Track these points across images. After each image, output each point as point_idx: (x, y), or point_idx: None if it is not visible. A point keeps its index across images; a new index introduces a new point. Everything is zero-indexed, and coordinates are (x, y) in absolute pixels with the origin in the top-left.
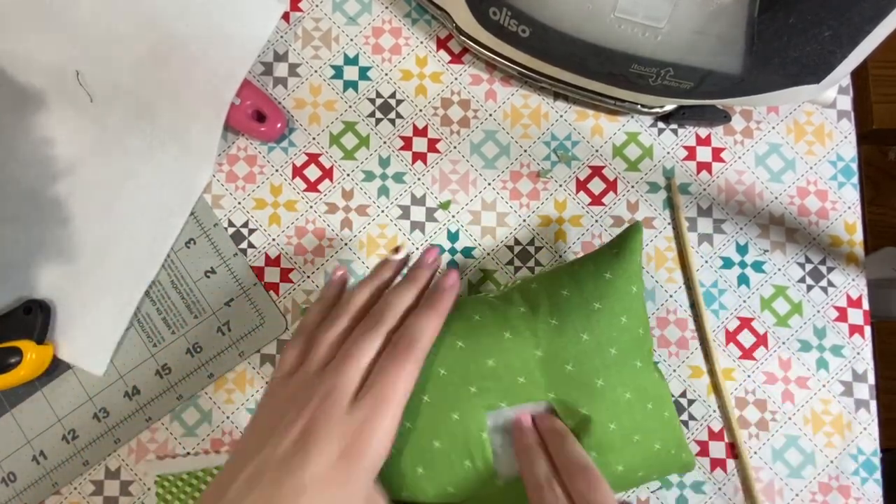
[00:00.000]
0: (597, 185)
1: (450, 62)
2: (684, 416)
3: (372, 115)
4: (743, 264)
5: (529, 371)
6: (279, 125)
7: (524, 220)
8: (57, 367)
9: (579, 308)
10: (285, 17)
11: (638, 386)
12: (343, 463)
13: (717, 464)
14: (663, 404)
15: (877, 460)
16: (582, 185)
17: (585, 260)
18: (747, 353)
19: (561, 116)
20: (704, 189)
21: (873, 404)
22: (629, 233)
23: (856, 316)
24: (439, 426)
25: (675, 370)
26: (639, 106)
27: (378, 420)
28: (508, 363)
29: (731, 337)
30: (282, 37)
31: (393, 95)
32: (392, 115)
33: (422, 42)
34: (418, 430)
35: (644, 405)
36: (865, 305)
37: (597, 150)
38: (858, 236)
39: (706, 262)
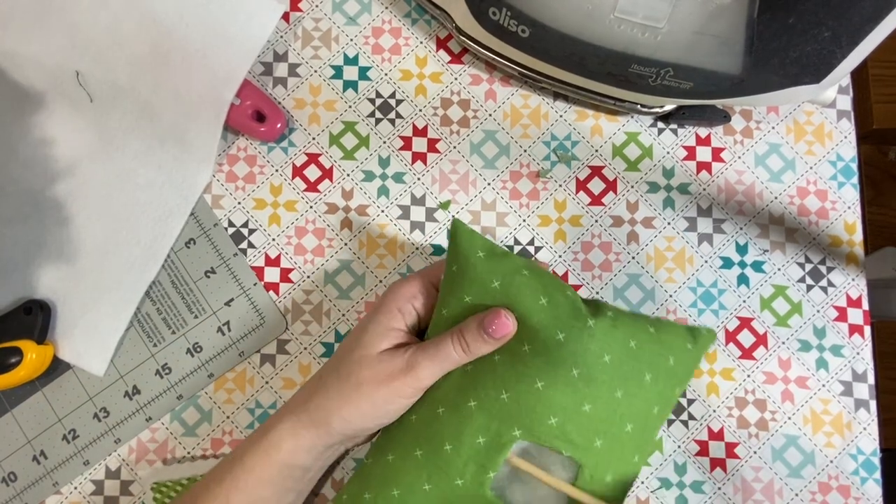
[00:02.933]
0: (596, 185)
1: (449, 62)
2: (684, 416)
3: (372, 115)
4: (743, 264)
5: (483, 430)
6: (279, 125)
7: (524, 220)
8: (57, 367)
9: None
10: (285, 17)
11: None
12: None
13: (716, 464)
14: (636, 330)
15: (877, 460)
16: (582, 185)
17: (443, 298)
18: (747, 353)
19: (561, 116)
20: (704, 189)
21: (873, 404)
22: (454, 239)
23: (856, 316)
24: None
25: None
26: (638, 106)
27: None
28: (461, 441)
29: (730, 337)
30: (282, 37)
31: (393, 95)
32: (392, 115)
33: (422, 42)
34: None
35: (627, 347)
36: (865, 305)
37: (596, 150)
38: (858, 236)
39: (706, 261)
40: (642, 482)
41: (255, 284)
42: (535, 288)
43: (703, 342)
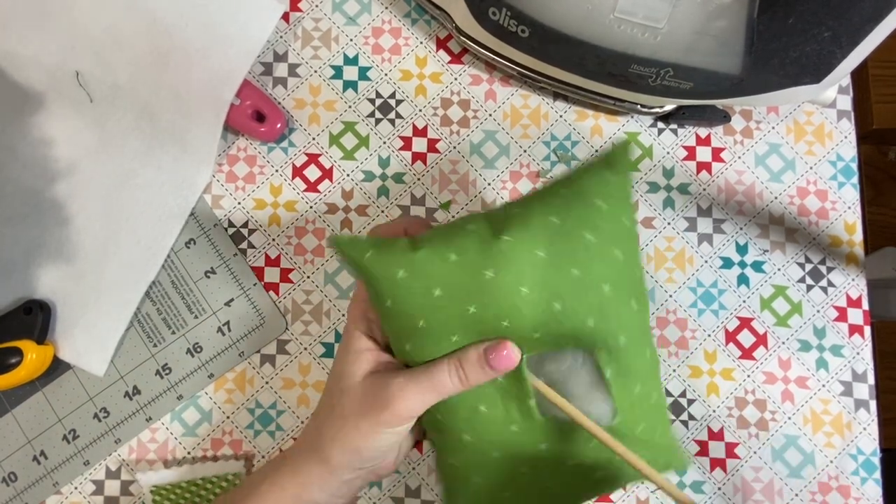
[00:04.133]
0: None
1: (449, 62)
2: (684, 416)
3: (371, 115)
4: (743, 264)
5: (514, 309)
6: (279, 125)
7: None
8: (57, 368)
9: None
10: (285, 17)
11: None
12: None
13: (716, 464)
14: (550, 204)
15: (876, 460)
16: None
17: (376, 312)
18: (747, 353)
19: (560, 116)
20: (704, 189)
21: (873, 404)
22: (343, 256)
23: (855, 316)
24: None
25: (675, 370)
26: (638, 106)
27: None
28: (491, 304)
29: (730, 337)
30: (281, 37)
31: (393, 95)
32: (392, 115)
33: (421, 42)
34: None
35: (552, 227)
36: (865, 305)
37: (596, 151)
38: (858, 236)
39: (706, 261)
40: (642, 482)
41: (254, 284)
42: (439, 252)
43: (620, 157)
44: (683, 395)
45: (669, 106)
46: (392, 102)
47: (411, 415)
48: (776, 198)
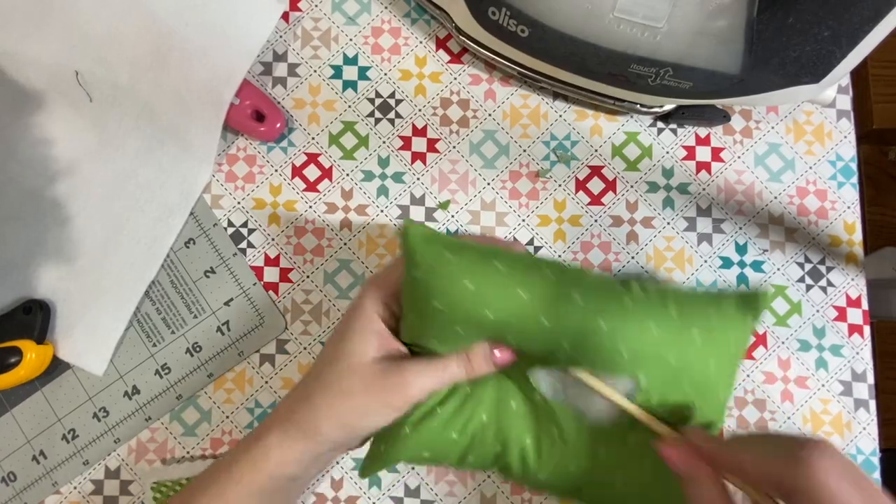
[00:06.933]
0: (596, 185)
1: (449, 62)
2: None
3: (371, 114)
4: (742, 264)
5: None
6: (278, 125)
7: (523, 220)
8: (57, 367)
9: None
10: (285, 16)
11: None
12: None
13: None
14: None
15: (876, 460)
16: (581, 185)
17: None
18: (746, 353)
19: (560, 116)
20: (704, 189)
21: (872, 404)
22: (413, 248)
23: (855, 315)
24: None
25: None
26: (638, 106)
27: None
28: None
29: None
30: (281, 36)
31: (392, 95)
32: (391, 114)
33: (421, 42)
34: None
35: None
36: (865, 305)
37: (596, 150)
38: (858, 236)
39: (705, 261)
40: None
41: (254, 284)
42: (513, 283)
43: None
44: None
45: (669, 106)
46: (391, 102)
47: (416, 399)
48: (776, 197)
